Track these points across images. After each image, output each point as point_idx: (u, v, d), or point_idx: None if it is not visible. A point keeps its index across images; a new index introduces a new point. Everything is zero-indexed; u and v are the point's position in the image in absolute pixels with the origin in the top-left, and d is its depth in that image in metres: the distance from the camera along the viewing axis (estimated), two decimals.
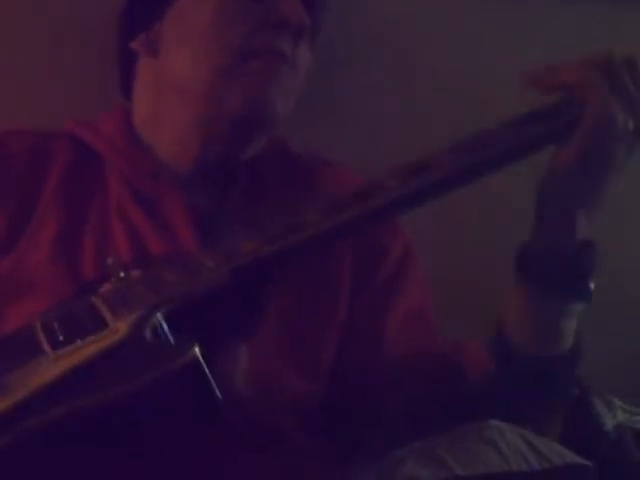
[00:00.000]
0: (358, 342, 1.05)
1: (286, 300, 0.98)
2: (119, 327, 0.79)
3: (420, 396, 1.03)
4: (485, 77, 1.44)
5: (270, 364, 0.97)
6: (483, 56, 1.45)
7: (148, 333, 0.78)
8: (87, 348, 0.77)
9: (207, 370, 0.73)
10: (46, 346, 0.79)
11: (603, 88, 0.89)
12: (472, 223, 1.44)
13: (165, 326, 0.79)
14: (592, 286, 0.93)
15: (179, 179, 1.07)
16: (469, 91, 1.43)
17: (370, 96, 1.42)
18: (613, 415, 1.29)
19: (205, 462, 0.88)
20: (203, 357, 0.73)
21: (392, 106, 1.43)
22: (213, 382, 0.73)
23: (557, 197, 0.92)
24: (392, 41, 1.43)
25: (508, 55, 1.42)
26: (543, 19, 1.45)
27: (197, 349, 0.73)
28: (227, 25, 1.04)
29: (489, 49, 1.45)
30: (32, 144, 1.09)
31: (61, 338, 0.79)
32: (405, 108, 1.43)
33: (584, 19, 1.46)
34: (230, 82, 1.04)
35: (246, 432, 0.92)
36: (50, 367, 0.76)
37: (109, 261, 0.89)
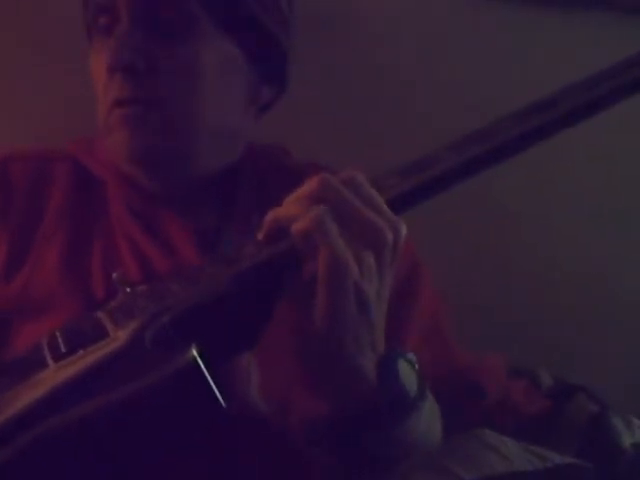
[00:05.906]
0: None
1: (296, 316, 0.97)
2: (119, 335, 0.79)
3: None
4: (485, 79, 1.45)
5: (282, 381, 0.96)
6: (483, 59, 1.46)
7: (148, 341, 0.78)
8: (87, 357, 0.77)
9: (207, 373, 0.72)
10: (49, 360, 0.79)
11: (333, 235, 0.77)
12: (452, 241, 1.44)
13: (167, 334, 0.78)
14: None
15: (176, 199, 1.08)
16: (468, 94, 1.44)
17: (369, 99, 1.43)
18: (631, 434, 1.27)
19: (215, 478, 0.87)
20: (204, 361, 0.73)
21: (390, 109, 1.44)
22: (214, 385, 0.72)
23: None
24: (392, 41, 1.44)
25: (508, 58, 1.43)
26: (542, 23, 1.46)
27: (195, 352, 0.73)
28: (96, 74, 1.05)
29: (489, 51, 1.46)
30: (34, 169, 1.10)
31: (63, 350, 0.79)
32: (404, 113, 1.44)
33: (582, 25, 1.47)
34: (108, 134, 1.04)
35: (257, 448, 0.91)
36: (50, 378, 0.76)
37: (114, 276, 0.89)
